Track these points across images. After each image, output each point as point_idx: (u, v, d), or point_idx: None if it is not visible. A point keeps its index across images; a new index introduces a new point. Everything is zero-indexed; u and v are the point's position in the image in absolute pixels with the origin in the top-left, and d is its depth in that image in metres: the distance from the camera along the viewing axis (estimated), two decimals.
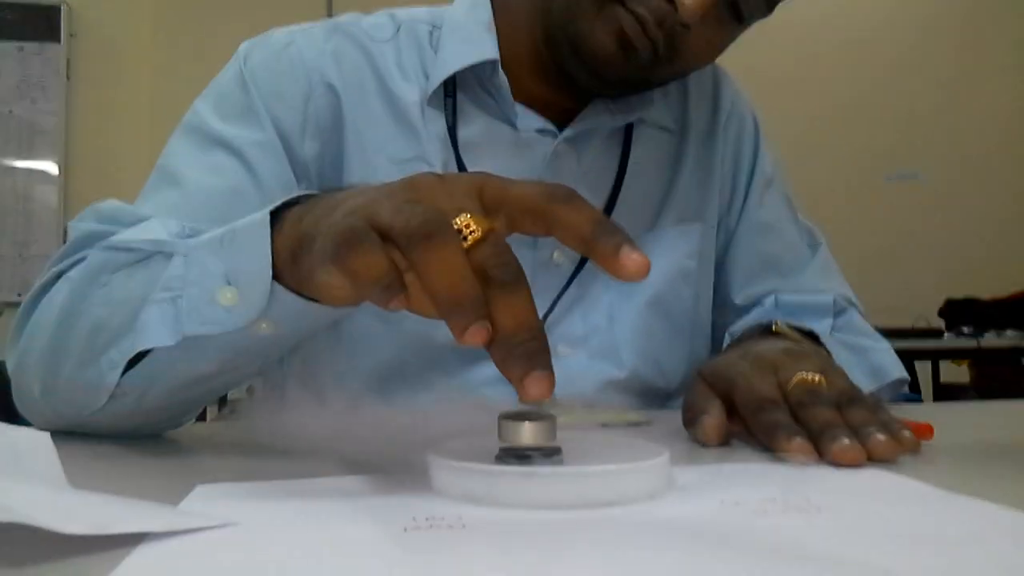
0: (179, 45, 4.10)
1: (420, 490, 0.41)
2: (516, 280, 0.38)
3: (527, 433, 0.40)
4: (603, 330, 0.81)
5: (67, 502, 0.36)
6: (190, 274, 0.50)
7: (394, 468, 0.46)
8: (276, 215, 0.48)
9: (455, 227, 0.38)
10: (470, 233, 0.38)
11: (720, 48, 0.75)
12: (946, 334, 3.40)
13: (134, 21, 4.12)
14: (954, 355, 3.41)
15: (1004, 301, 3.57)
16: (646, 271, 0.39)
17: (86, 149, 4.07)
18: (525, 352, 0.37)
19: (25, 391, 0.62)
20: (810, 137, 4.05)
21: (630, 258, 0.39)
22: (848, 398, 0.55)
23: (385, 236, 0.38)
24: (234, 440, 0.62)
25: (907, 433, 0.52)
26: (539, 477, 0.39)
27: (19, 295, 3.66)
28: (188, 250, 0.51)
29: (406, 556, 0.32)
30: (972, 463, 0.51)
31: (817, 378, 0.56)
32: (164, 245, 0.53)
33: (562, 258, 0.80)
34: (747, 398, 0.56)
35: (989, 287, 3.74)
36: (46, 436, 0.45)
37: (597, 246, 0.39)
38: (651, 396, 0.82)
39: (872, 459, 0.49)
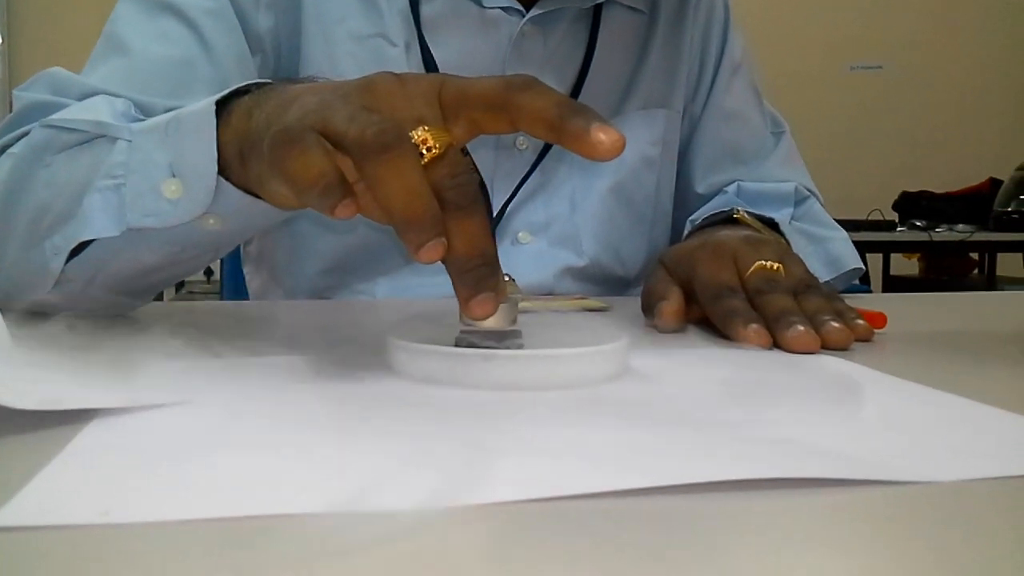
0: None
1: (380, 371, 0.41)
2: (472, 202, 0.36)
3: None
4: (564, 217, 0.80)
5: (16, 375, 0.35)
6: (133, 161, 0.48)
7: (353, 349, 0.46)
8: (224, 103, 0.45)
9: (412, 141, 0.36)
10: (427, 149, 0.36)
11: None
12: (899, 227, 3.46)
13: None
14: (905, 247, 3.47)
15: (957, 195, 3.63)
16: (621, 147, 0.37)
17: (30, 18, 3.89)
18: (474, 276, 0.36)
19: None
20: (775, 23, 3.99)
21: (600, 136, 0.37)
22: (805, 286, 0.55)
23: (337, 144, 0.36)
24: (190, 319, 0.61)
25: (861, 321, 0.53)
26: (499, 359, 0.39)
27: None
28: (132, 135, 0.49)
29: (363, 434, 0.32)
30: (922, 351, 0.52)
31: (775, 266, 0.56)
32: (108, 128, 0.51)
33: (526, 144, 0.79)
34: (706, 285, 0.56)
35: (944, 181, 3.79)
36: None
37: (565, 129, 0.37)
38: (610, 284, 0.83)
39: (826, 346, 0.50)
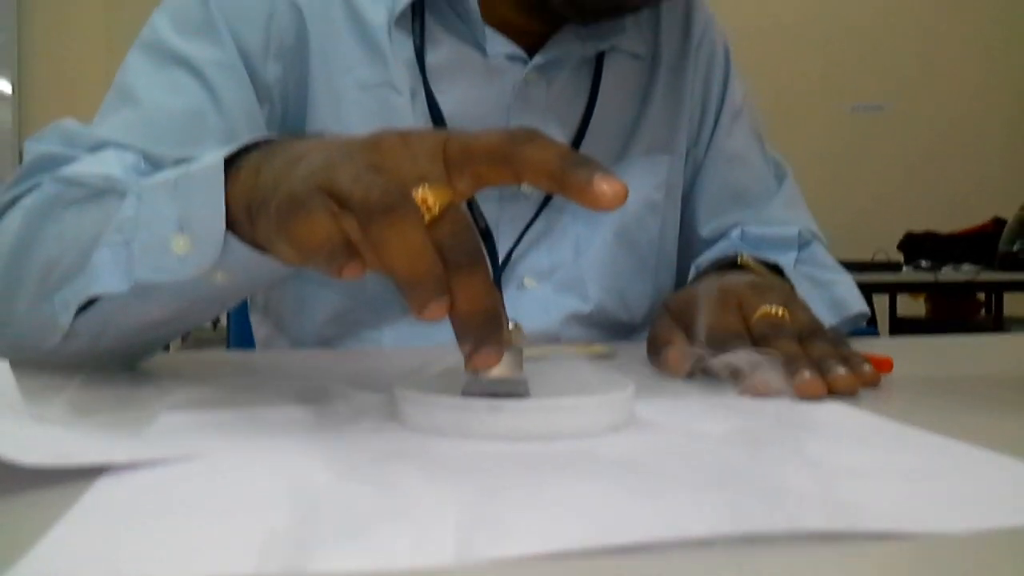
0: None
1: (387, 422, 0.41)
2: (473, 259, 0.37)
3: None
4: (569, 263, 0.80)
5: (25, 431, 0.35)
6: (142, 216, 0.48)
7: (360, 400, 0.46)
8: (233, 159, 0.46)
9: (415, 201, 0.37)
10: (428, 209, 0.37)
11: None
12: (904, 267, 3.46)
13: None
14: (911, 288, 3.47)
15: (962, 235, 3.63)
16: (624, 196, 0.37)
17: (40, 68, 3.96)
18: (477, 332, 0.37)
19: None
20: (776, 65, 4.03)
21: (603, 187, 0.37)
22: (810, 331, 0.55)
23: (343, 204, 0.37)
24: (197, 370, 0.62)
25: (867, 367, 0.53)
26: (506, 410, 0.39)
27: None
28: (141, 190, 0.49)
29: (370, 485, 0.32)
30: (930, 396, 0.52)
31: (780, 311, 0.56)
32: (117, 183, 0.51)
33: (530, 189, 0.79)
34: (712, 331, 0.56)
35: (948, 221, 3.79)
36: (4, 364, 0.44)
37: (568, 180, 0.38)
38: (615, 329, 0.83)
39: (833, 393, 0.49)
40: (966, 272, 3.30)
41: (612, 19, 0.78)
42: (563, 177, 0.38)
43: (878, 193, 4.48)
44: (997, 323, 3.47)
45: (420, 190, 0.37)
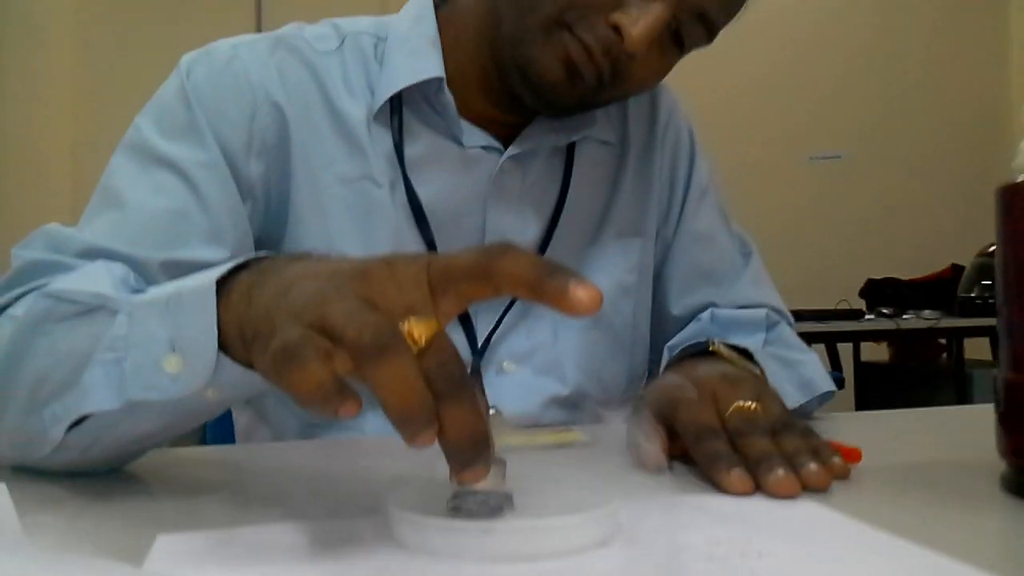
0: (100, 13, 3.98)
1: (381, 541, 0.43)
2: (459, 389, 0.39)
3: None
4: (547, 346, 0.82)
5: (26, 569, 0.36)
6: (134, 336, 0.49)
7: (353, 511, 0.48)
8: (223, 280, 0.47)
9: (404, 334, 0.39)
10: (415, 342, 0.39)
11: (662, 74, 0.77)
12: (867, 314, 3.52)
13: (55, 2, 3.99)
14: (874, 336, 3.53)
15: (922, 282, 3.71)
16: (599, 302, 0.40)
17: (4, 127, 3.94)
18: (465, 455, 0.39)
19: None
20: (733, 114, 4.11)
21: (579, 293, 0.39)
22: (782, 424, 0.58)
23: (335, 340, 0.39)
24: (189, 473, 0.62)
25: (837, 459, 0.55)
26: (497, 532, 0.40)
27: None
28: (132, 308, 0.50)
29: None
30: (897, 488, 0.54)
31: (753, 405, 0.58)
32: (108, 300, 0.52)
33: None
34: (688, 426, 0.58)
35: (908, 268, 3.88)
36: (3, 489, 0.45)
37: (545, 289, 0.40)
38: (593, 409, 0.85)
39: (806, 488, 0.52)
40: (927, 318, 3.38)
41: (582, 112, 0.81)
42: (540, 286, 0.40)
43: (839, 241, 4.56)
44: (959, 367, 3.53)
45: (407, 323, 0.39)
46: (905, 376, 3.89)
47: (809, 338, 3.42)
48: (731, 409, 0.58)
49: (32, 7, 3.92)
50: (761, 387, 0.63)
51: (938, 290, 3.58)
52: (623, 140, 0.89)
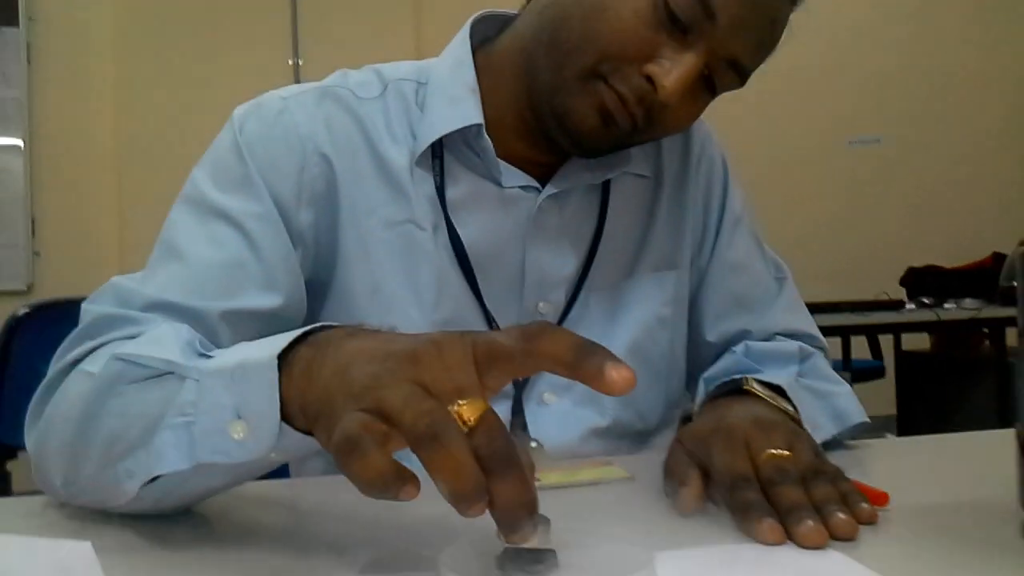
0: (140, 22, 4.06)
1: None
2: (507, 465, 0.42)
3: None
4: None
5: None
6: (203, 403, 0.53)
7: (409, 564, 0.51)
8: (285, 351, 0.51)
9: (455, 417, 0.43)
10: (465, 423, 0.43)
11: (695, 117, 0.79)
12: (907, 303, 3.50)
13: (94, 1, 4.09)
14: (915, 328, 3.51)
15: (964, 270, 3.68)
16: (633, 382, 0.44)
17: (50, 130, 4.05)
18: (514, 522, 0.43)
19: (46, 478, 0.65)
20: (773, 100, 4.09)
21: (613, 375, 0.44)
22: (812, 472, 0.60)
23: (392, 423, 0.43)
24: (251, 516, 0.66)
25: (865, 506, 0.58)
26: None
27: None
28: (200, 375, 0.54)
29: None
30: (925, 536, 0.57)
31: (785, 453, 0.61)
32: (176, 367, 0.56)
33: (547, 308, 0.85)
34: (722, 473, 0.61)
35: (948, 254, 3.84)
36: (88, 548, 0.49)
37: (582, 370, 0.44)
38: (631, 438, 0.88)
39: (834, 537, 0.54)
40: (968, 307, 3.35)
41: (617, 152, 0.83)
42: (577, 367, 0.45)
43: (879, 228, 4.53)
44: (1001, 357, 3.50)
45: (457, 406, 0.43)
46: (946, 366, 3.87)
47: (849, 330, 3.42)
48: (763, 456, 0.61)
49: (73, 14, 4.02)
50: (793, 432, 0.65)
51: (979, 279, 3.54)
52: (657, 173, 0.91)
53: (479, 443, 0.42)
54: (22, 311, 1.32)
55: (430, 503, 0.68)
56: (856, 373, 3.36)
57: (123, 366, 0.60)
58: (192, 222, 0.76)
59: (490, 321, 0.82)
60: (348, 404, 0.44)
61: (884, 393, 3.78)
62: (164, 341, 0.60)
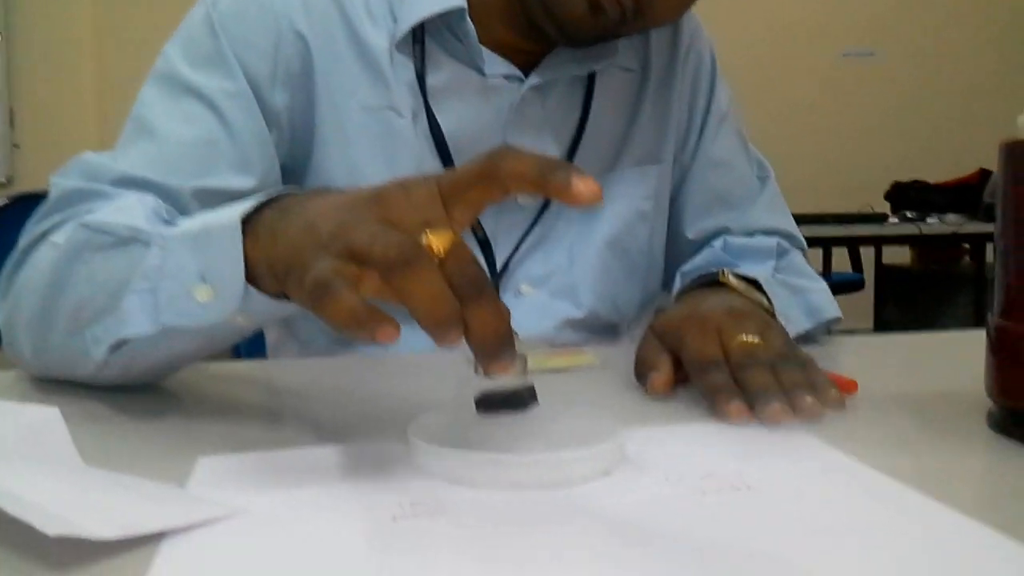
0: None
1: (404, 469, 0.47)
2: (481, 290, 0.42)
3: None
4: (563, 270, 0.85)
5: (92, 500, 0.41)
6: (167, 266, 0.53)
7: (381, 432, 0.52)
8: (248, 215, 0.50)
9: (425, 248, 0.42)
10: (435, 253, 0.42)
11: (684, 8, 0.77)
12: (891, 218, 3.51)
13: None
14: (897, 241, 3.53)
15: (950, 186, 3.68)
16: (599, 195, 0.43)
17: (28, 20, 3.94)
18: (492, 351, 0.42)
19: (16, 348, 0.65)
20: (766, 8, 4.02)
21: (580, 187, 0.43)
22: (783, 358, 0.61)
23: (363, 261, 0.42)
24: (224, 391, 0.67)
25: (833, 391, 0.59)
26: (507, 465, 0.44)
27: None
28: (165, 241, 0.54)
29: (396, 551, 0.38)
30: (889, 422, 0.58)
31: (756, 339, 0.62)
32: (141, 233, 0.56)
33: (526, 199, 0.84)
34: (693, 358, 0.61)
35: (935, 171, 3.84)
36: (56, 413, 0.49)
37: (548, 184, 0.43)
38: (606, 331, 0.88)
39: (800, 419, 0.55)
40: (951, 223, 3.37)
41: (604, 43, 0.82)
42: (543, 181, 0.43)
43: (867, 141, 4.50)
44: (979, 271, 3.54)
45: (426, 237, 0.43)
46: (925, 280, 3.91)
47: (832, 241, 3.43)
48: (735, 343, 0.61)
49: None
50: (765, 321, 0.66)
51: (965, 194, 3.56)
52: (644, 66, 0.90)
53: (451, 271, 0.42)
54: (1, 203, 1.32)
55: (403, 380, 0.70)
56: (835, 286, 3.36)
57: (89, 234, 0.60)
58: (163, 99, 0.74)
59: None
60: (318, 253, 0.44)
61: (863, 305, 3.82)
62: (129, 209, 0.60)
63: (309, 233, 0.46)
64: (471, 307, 0.42)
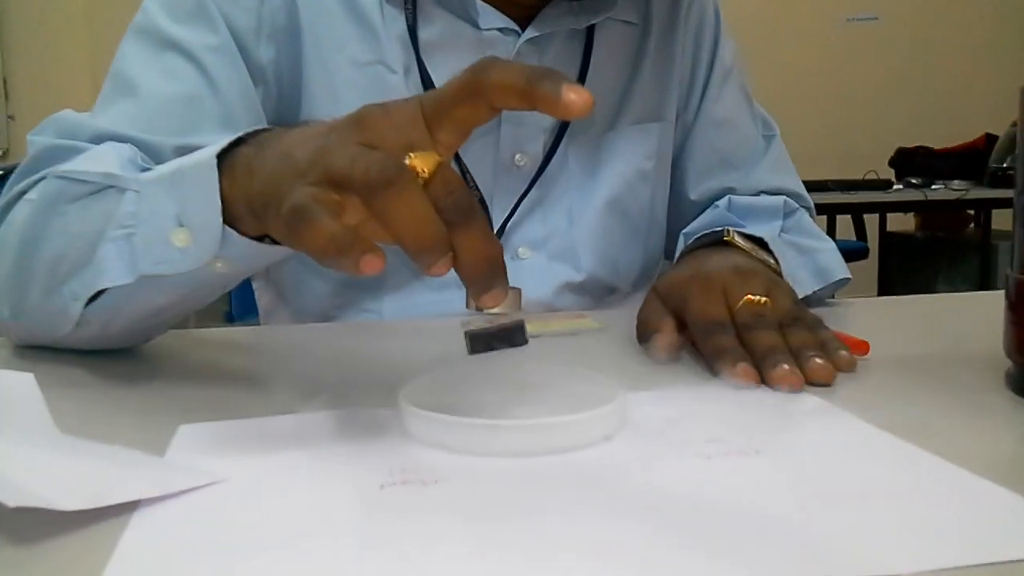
0: None
1: (394, 436, 0.44)
2: (469, 214, 0.39)
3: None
4: (562, 232, 0.83)
5: (62, 469, 0.38)
6: (143, 211, 0.50)
7: (370, 398, 0.49)
8: (223, 152, 0.48)
9: (409, 169, 0.39)
10: (420, 174, 0.39)
11: None
12: (895, 184, 3.47)
13: None
14: (901, 207, 3.49)
15: (955, 151, 3.64)
16: (591, 104, 0.39)
17: (24, 60, 3.93)
18: (483, 279, 0.39)
19: None
20: None
21: (571, 96, 0.39)
22: (791, 318, 0.58)
23: (343, 186, 0.39)
24: (211, 358, 0.65)
25: (844, 353, 0.56)
26: (505, 430, 0.42)
27: None
28: (140, 186, 0.51)
29: (380, 520, 0.35)
30: (903, 384, 0.55)
31: (763, 299, 0.59)
32: (116, 180, 0.53)
33: (524, 160, 0.81)
34: (697, 319, 0.59)
35: (940, 136, 3.79)
36: (31, 378, 0.47)
37: (536, 94, 0.39)
38: (606, 295, 0.86)
39: (810, 382, 0.53)
40: (956, 189, 3.33)
41: None
42: (531, 91, 0.39)
43: (871, 107, 4.45)
44: (985, 238, 3.50)
45: (410, 158, 0.40)
46: (930, 247, 3.87)
47: (836, 208, 3.39)
48: (740, 303, 0.59)
49: None
50: (772, 280, 0.63)
51: (970, 160, 3.51)
52: (645, 20, 0.86)
53: (437, 193, 0.39)
54: None
55: (395, 344, 0.68)
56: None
57: (63, 184, 0.57)
58: (144, 55, 0.71)
59: (464, 171, 0.78)
60: (296, 182, 0.41)
61: (867, 274, 3.78)
62: (104, 157, 0.57)
63: (286, 162, 0.43)
64: (460, 232, 0.39)
